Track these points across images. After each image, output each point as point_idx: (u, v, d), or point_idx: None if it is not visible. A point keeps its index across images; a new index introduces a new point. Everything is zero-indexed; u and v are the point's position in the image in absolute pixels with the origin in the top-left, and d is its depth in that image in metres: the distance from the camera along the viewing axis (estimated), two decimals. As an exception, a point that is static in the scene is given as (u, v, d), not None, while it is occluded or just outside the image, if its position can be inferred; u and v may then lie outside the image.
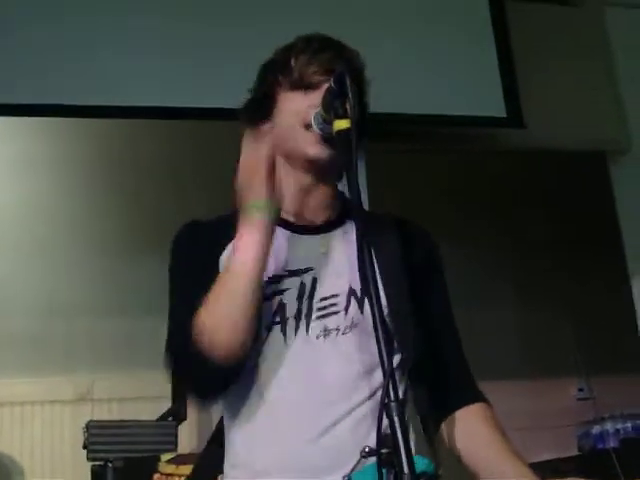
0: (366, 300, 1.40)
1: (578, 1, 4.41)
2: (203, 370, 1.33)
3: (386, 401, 1.10)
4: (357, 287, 1.45)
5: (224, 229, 1.47)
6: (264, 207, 1.34)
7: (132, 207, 4.10)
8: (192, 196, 3.61)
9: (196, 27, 3.34)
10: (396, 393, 1.11)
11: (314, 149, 1.45)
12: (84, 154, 4.18)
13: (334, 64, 1.42)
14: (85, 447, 3.23)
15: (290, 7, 3.45)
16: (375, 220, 1.55)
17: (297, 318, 1.42)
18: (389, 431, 1.09)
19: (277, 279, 1.44)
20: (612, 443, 4.33)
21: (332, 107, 1.35)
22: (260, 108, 1.52)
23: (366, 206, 1.26)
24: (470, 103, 3.64)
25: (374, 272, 1.21)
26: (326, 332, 1.41)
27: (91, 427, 3.25)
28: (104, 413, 3.83)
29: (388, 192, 3.66)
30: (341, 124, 1.32)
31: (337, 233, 1.52)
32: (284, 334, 1.41)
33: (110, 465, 3.00)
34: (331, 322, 1.42)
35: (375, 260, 1.22)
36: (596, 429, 4.54)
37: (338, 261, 1.47)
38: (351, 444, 1.33)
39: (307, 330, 1.41)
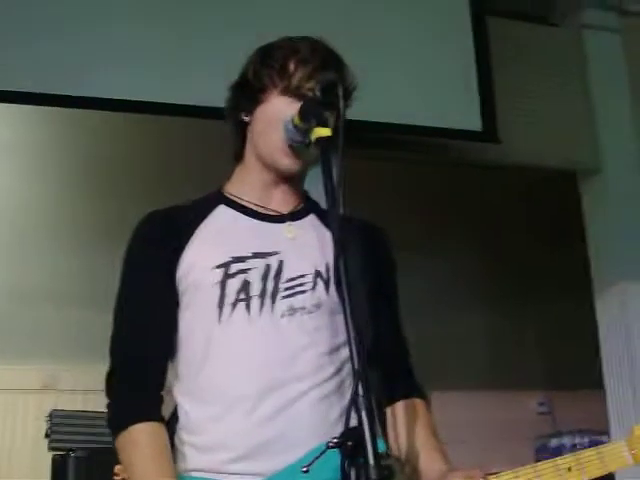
0: (332, 281, 1.47)
1: (558, 21, 4.49)
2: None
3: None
4: (323, 270, 1.49)
5: (192, 215, 1.52)
6: None
7: (104, 196, 4.09)
8: (164, 188, 3.60)
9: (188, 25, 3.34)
10: (366, 389, 1.15)
11: (286, 161, 1.50)
12: (58, 142, 4.17)
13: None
14: (47, 436, 3.22)
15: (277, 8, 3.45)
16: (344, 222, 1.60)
17: (262, 297, 1.45)
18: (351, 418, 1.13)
19: (241, 259, 1.47)
20: (569, 457, 4.39)
21: (314, 115, 1.37)
22: (248, 98, 1.54)
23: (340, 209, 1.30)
24: (447, 115, 3.68)
25: (347, 273, 1.25)
26: (291, 311, 1.44)
27: (54, 416, 3.24)
28: (67, 403, 3.80)
29: (357, 198, 3.68)
30: (321, 132, 1.34)
31: (303, 222, 1.57)
32: (248, 311, 1.44)
33: (72, 455, 2.99)
34: (297, 301, 1.46)
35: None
36: (554, 442, 4.62)
37: (304, 246, 1.52)
38: (308, 423, 1.39)
39: (272, 309, 1.44)
